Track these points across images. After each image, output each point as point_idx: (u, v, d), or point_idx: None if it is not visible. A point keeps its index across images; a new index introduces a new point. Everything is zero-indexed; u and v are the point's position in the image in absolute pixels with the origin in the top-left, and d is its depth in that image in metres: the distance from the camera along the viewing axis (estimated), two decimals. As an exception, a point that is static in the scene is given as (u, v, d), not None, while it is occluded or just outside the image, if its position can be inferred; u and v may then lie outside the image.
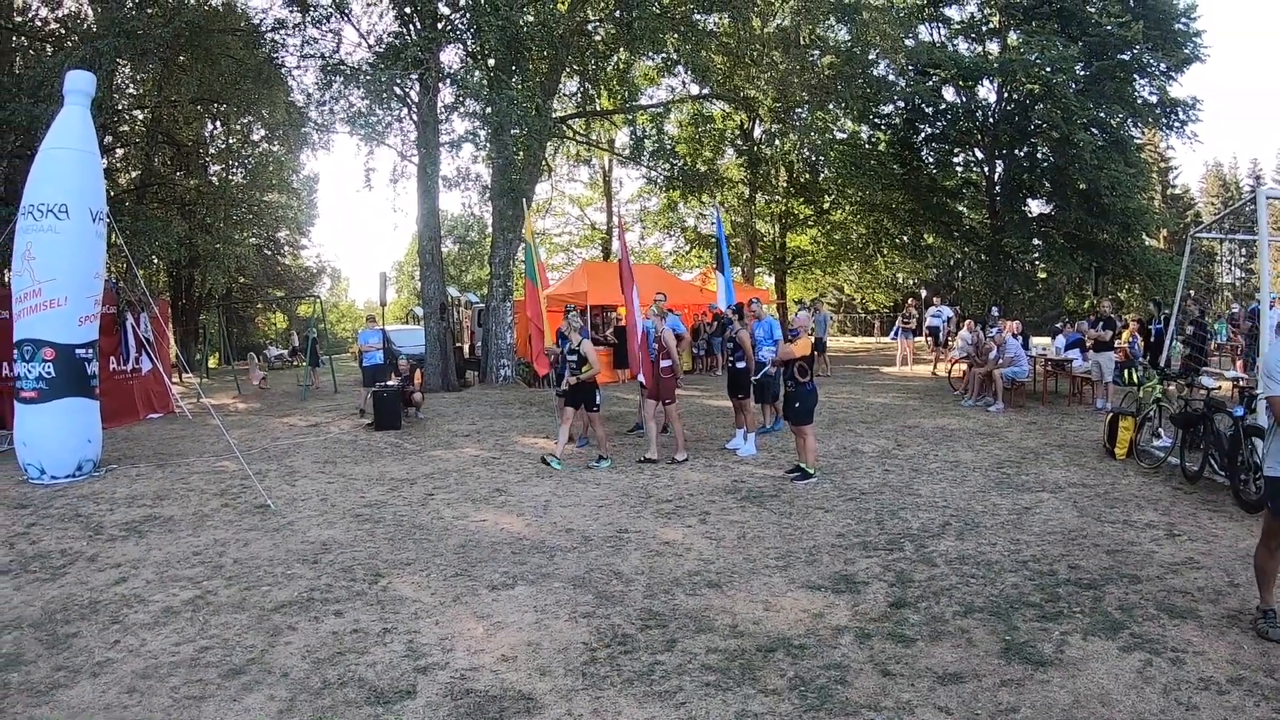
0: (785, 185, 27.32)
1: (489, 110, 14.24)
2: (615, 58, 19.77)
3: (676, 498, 7.55)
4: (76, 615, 5.08)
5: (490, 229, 19.85)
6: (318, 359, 18.47)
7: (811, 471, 8.04)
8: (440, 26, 15.13)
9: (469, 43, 15.35)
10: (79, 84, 9.70)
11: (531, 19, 14.82)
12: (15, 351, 9.13)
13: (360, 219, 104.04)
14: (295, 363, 24.70)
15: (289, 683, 4.08)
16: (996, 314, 18.55)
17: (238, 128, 23.20)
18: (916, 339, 21.39)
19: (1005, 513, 6.88)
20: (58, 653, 4.54)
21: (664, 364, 9.33)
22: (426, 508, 7.51)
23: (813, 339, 8.58)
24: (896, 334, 21.56)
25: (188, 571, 5.86)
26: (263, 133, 22.99)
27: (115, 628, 4.87)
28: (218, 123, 22.93)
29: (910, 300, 23.04)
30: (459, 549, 6.22)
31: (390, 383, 12.93)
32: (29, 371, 8.96)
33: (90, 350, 9.33)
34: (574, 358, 9.18)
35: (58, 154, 9.29)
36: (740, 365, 10.02)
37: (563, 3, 16.80)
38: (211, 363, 26.00)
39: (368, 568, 5.81)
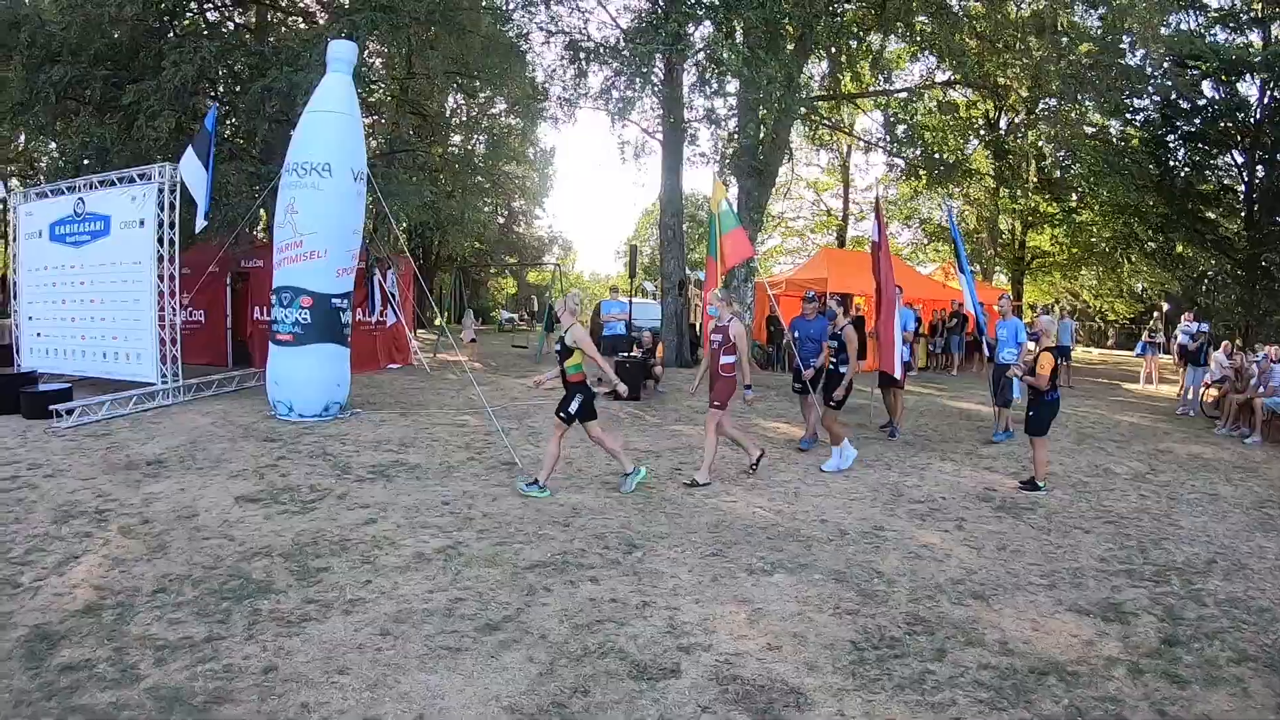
0: (1035, 180, 25.08)
1: (746, 89, 13.98)
2: (864, 40, 18.83)
3: (928, 499, 7.28)
4: (327, 550, 5.40)
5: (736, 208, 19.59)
6: (552, 324, 19.23)
7: (1041, 485, 7.59)
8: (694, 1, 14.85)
9: (724, 19, 14.97)
10: (341, 53, 10.43)
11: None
12: (274, 297, 10.00)
13: (590, 192, 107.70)
14: (525, 327, 26.03)
15: (547, 645, 4.11)
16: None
17: (480, 100, 24.56)
18: (1163, 356, 19.55)
19: (1272, 557, 6.17)
20: (308, 585, 4.81)
21: (725, 360, 7.47)
22: (674, 481, 7.51)
23: (1053, 352, 7.70)
24: (1143, 349, 19.48)
25: (437, 520, 6.11)
26: (503, 105, 24.23)
27: (366, 567, 5.11)
28: (460, 95, 24.33)
29: (1156, 313, 20.56)
30: (711, 527, 6.18)
31: (634, 354, 13.22)
32: (286, 316, 9.78)
33: (345, 300, 10.07)
34: (559, 347, 6.96)
35: (321, 116, 10.03)
36: (844, 369, 8.35)
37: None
38: (438, 323, 28.08)
39: (620, 537, 5.86)
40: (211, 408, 10.60)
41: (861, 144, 25.71)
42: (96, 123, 13.38)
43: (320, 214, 9.73)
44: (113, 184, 11.85)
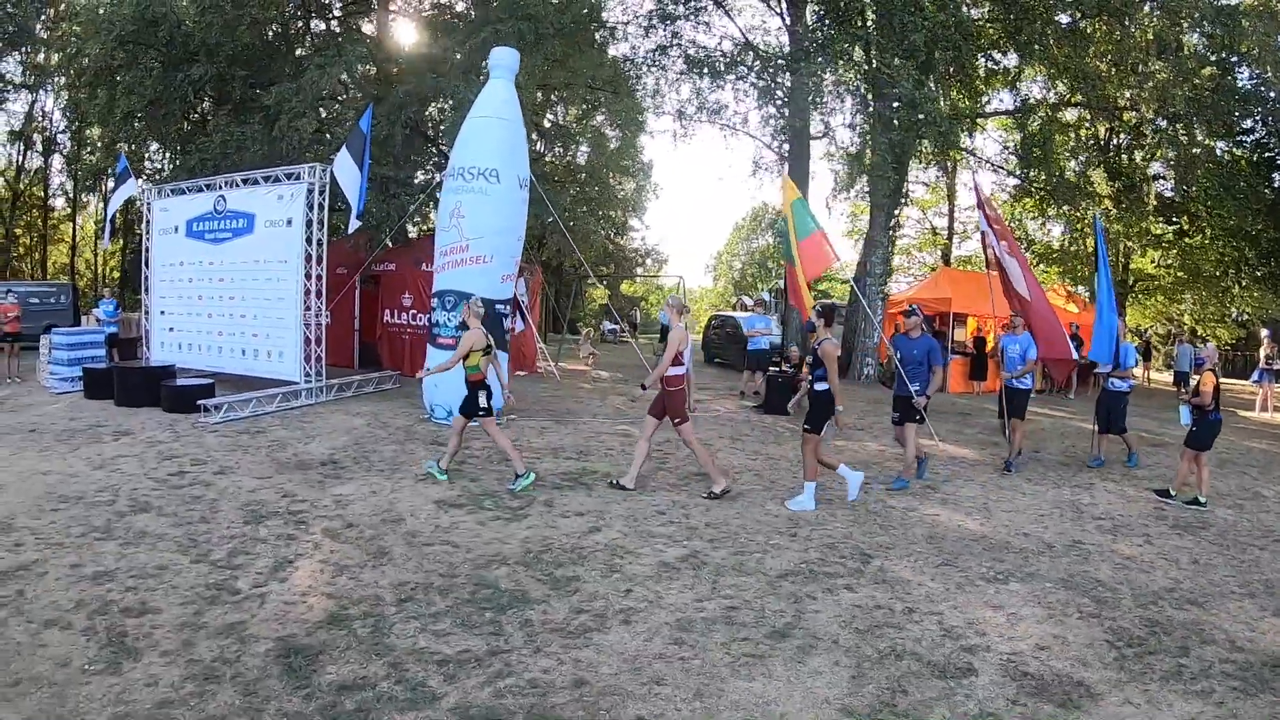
0: (1155, 203, 24.59)
1: (909, 110, 13.86)
2: (1000, 62, 18.64)
3: (1108, 516, 7.30)
4: (566, 559, 5.29)
5: (867, 226, 19.35)
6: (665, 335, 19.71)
7: (1203, 500, 7.71)
8: (858, 22, 14.68)
9: (892, 42, 14.76)
10: (504, 59, 10.37)
11: (942, 18, 14.16)
12: (435, 300, 9.92)
13: (680, 205, 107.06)
14: (627, 338, 26.31)
15: (844, 651, 4.14)
16: None
17: (582, 110, 24.56)
18: (1277, 385, 18.83)
19: None
20: (567, 595, 4.69)
21: (673, 371, 6.87)
22: (870, 495, 7.44)
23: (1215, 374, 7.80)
24: (1260, 377, 18.93)
25: (661, 529, 6.07)
26: (602, 117, 24.17)
27: (616, 576, 5.02)
28: (569, 107, 24.39)
29: (1269, 340, 20.01)
30: (928, 539, 6.21)
31: (783, 368, 13.27)
32: (449, 320, 9.68)
33: (506, 306, 9.95)
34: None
35: (487, 122, 9.94)
36: (820, 387, 6.86)
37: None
38: (586, 331, 28.51)
39: (850, 547, 5.89)
40: (359, 409, 10.53)
41: (979, 164, 25.19)
42: (234, 122, 13.49)
43: (487, 219, 9.64)
44: (256, 183, 11.90)
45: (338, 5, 16.41)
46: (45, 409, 10.33)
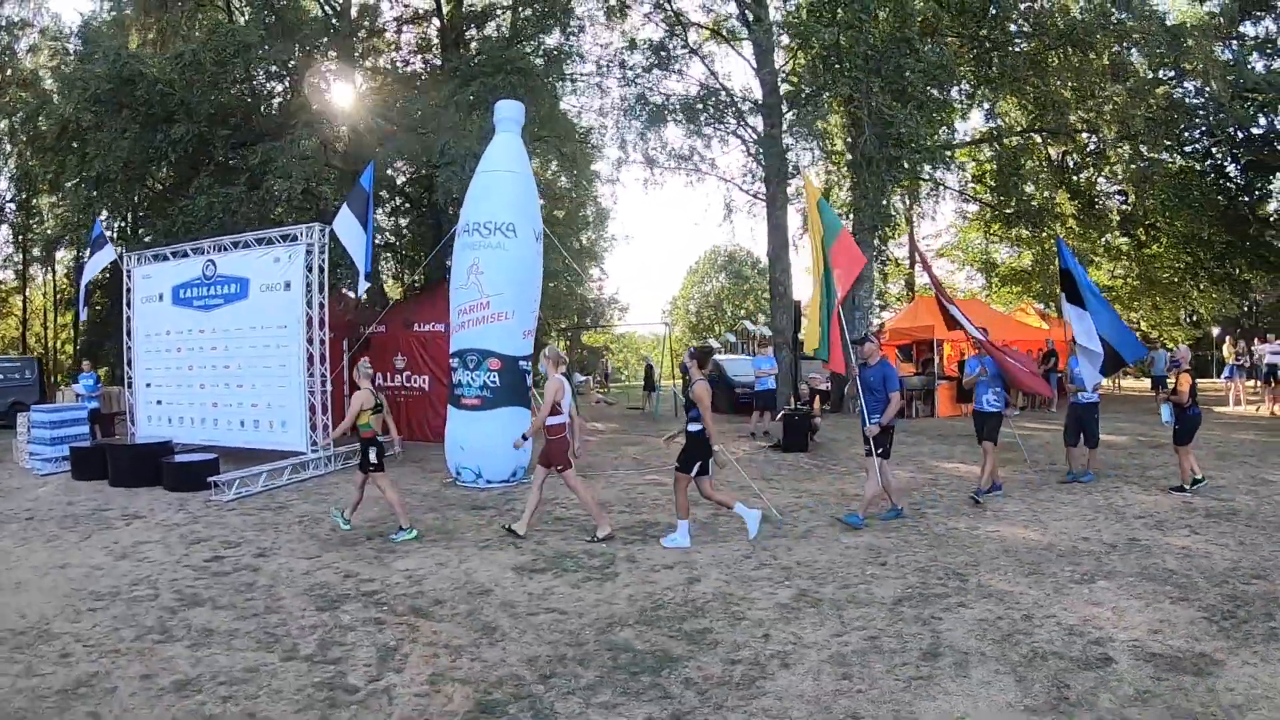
0: (1117, 218, 25.31)
1: (906, 146, 14.03)
2: (975, 94, 19.08)
3: (1147, 514, 7.69)
4: (683, 613, 5.17)
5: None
6: (653, 385, 19.99)
7: (1186, 487, 8.44)
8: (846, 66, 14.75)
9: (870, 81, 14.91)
10: (510, 112, 10.21)
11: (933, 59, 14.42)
12: (455, 359, 9.56)
13: (638, 251, 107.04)
14: (598, 389, 26.30)
15: (994, 660, 4.33)
16: None
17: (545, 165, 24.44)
18: (1247, 380, 19.99)
19: None
20: (707, 649, 4.58)
21: (552, 421, 6.93)
22: (925, 519, 7.61)
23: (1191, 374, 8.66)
24: (1230, 373, 19.82)
25: (755, 572, 6.03)
26: (555, 165, 24.01)
27: (746, 623, 4.96)
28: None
29: (1229, 339, 20.90)
30: (1004, 554, 6.41)
31: (800, 407, 13.32)
32: (473, 380, 9.33)
33: (527, 362, 9.63)
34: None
35: (500, 176, 9.73)
36: (694, 428, 6.77)
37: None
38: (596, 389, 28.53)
39: (942, 568, 6.03)
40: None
41: (941, 192, 25.53)
42: (218, 183, 13.04)
43: (506, 274, 9.38)
44: (248, 245, 11.46)
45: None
46: (34, 492, 9.75)
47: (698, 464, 6.69)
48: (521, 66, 13.38)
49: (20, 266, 30.41)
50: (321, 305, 10.73)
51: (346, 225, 10.37)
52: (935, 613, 5.04)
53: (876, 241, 17.02)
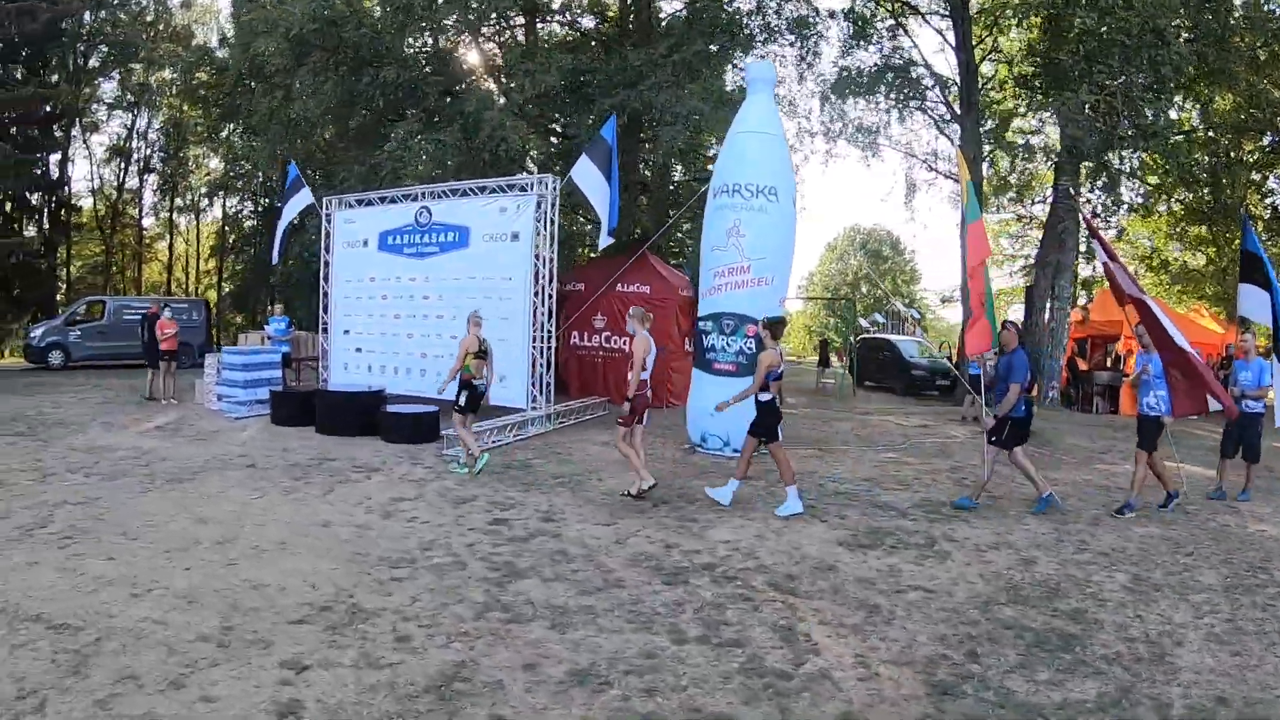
0: None
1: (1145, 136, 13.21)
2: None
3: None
4: (1045, 593, 5.00)
5: (1039, 247, 18.46)
6: (828, 361, 19.98)
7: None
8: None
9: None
10: (763, 73, 9.69)
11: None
12: (710, 323, 9.06)
13: None
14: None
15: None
16: None
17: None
18: None
19: None
20: (1094, 628, 4.46)
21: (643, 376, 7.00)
22: (1194, 516, 7.21)
23: None
24: None
25: (1077, 555, 5.86)
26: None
27: (1110, 604, 4.85)
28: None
29: None
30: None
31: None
32: (728, 345, 8.84)
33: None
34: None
35: (758, 138, 9.19)
36: (764, 397, 6.73)
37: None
38: None
39: (1242, 561, 5.87)
40: (598, 438, 9.64)
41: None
42: (425, 128, 12.76)
43: (769, 239, 8.89)
44: (465, 194, 11.15)
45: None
46: (238, 436, 9.49)
47: (769, 430, 6.74)
48: (731, 29, 12.75)
49: (169, 214, 31.27)
50: (550, 260, 10.34)
51: (588, 176, 9.96)
52: (1266, 600, 5.01)
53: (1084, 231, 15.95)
